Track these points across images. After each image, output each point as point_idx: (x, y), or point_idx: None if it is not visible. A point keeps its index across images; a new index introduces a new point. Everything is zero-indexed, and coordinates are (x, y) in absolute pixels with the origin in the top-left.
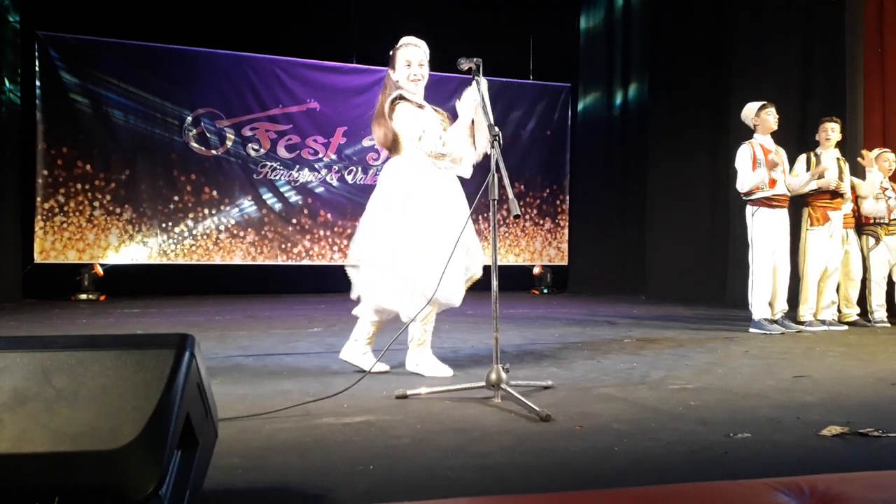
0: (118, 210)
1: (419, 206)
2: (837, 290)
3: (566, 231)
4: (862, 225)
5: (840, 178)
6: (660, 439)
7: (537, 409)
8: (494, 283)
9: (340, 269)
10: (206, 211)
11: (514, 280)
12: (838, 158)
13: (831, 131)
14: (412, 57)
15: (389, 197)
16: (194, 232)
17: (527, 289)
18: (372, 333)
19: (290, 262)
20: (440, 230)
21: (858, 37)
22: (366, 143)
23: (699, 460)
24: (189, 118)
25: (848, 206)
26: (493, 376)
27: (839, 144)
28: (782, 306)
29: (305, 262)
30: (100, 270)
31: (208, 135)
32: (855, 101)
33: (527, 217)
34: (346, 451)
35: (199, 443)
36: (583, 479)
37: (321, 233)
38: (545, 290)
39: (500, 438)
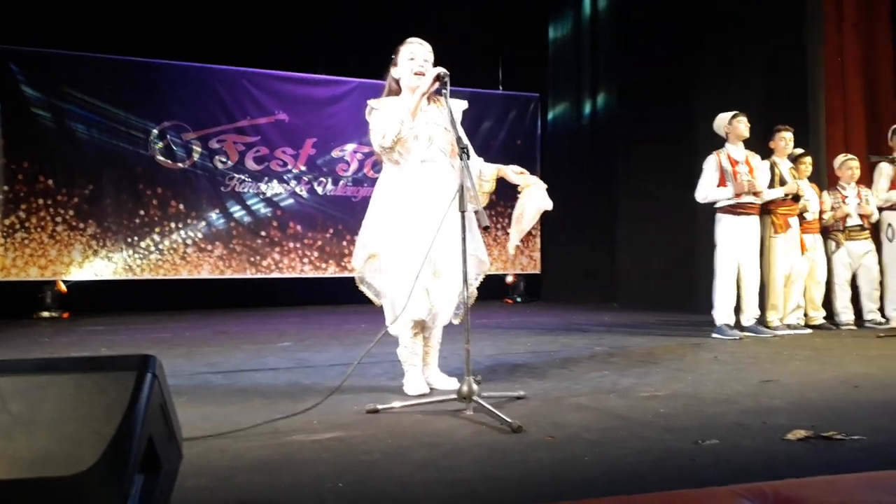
0: (81, 225)
1: (391, 214)
2: (804, 294)
3: (538, 239)
4: (826, 230)
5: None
6: (629, 448)
7: (509, 420)
8: (465, 294)
9: (311, 281)
10: (173, 225)
11: (487, 289)
12: (791, 168)
13: (789, 140)
14: (416, 53)
15: (371, 205)
16: (161, 246)
17: (500, 298)
18: (419, 350)
19: (259, 276)
20: (409, 239)
21: (819, 49)
22: (335, 153)
23: (667, 468)
24: (155, 131)
25: (811, 213)
26: (465, 388)
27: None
28: (754, 312)
29: (275, 274)
30: (63, 287)
31: (174, 147)
32: (817, 112)
33: (499, 226)
34: (315, 468)
35: (162, 465)
36: (553, 490)
37: (291, 245)
38: (518, 299)
39: (472, 451)
